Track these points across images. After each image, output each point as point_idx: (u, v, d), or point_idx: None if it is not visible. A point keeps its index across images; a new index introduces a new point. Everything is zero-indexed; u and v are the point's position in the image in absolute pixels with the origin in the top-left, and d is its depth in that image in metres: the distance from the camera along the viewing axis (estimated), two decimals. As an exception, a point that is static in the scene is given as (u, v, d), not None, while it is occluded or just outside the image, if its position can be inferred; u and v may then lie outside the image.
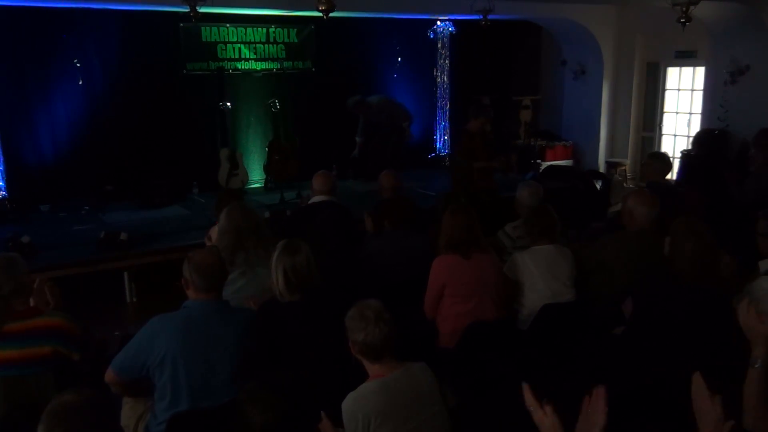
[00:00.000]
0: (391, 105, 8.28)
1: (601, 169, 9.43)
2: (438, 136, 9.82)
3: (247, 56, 8.22)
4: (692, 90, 8.96)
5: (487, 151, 6.34)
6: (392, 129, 8.16)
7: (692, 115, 8.94)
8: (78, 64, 7.18)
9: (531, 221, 3.82)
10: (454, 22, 9.22)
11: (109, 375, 2.62)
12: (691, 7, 5.55)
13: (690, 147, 8.37)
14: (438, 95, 9.72)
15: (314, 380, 2.75)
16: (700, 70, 8.73)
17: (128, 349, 2.59)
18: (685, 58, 8.85)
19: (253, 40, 8.24)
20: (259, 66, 8.32)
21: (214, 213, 4.03)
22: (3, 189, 6.76)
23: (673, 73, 9.18)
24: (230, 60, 8.10)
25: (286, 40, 8.45)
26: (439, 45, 9.53)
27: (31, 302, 2.83)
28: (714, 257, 2.98)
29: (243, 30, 8.13)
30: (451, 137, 9.80)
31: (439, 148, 9.81)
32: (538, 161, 9.38)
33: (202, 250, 2.76)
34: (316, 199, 4.63)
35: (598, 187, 8.04)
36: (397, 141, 8.24)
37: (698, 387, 1.80)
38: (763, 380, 1.97)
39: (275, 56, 8.39)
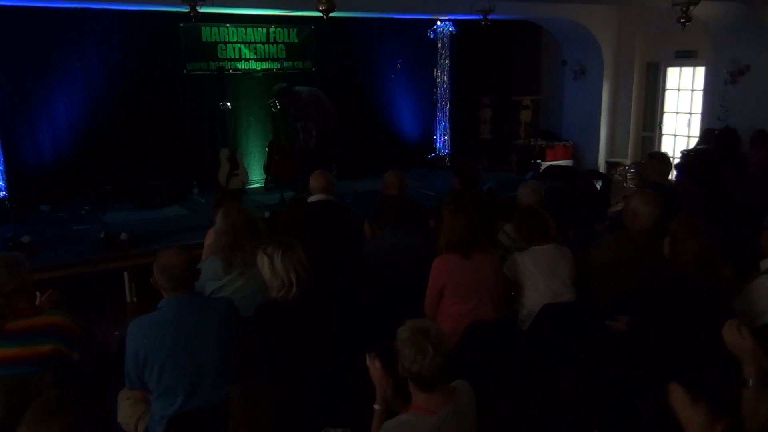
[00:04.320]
0: (322, 100, 7.42)
1: (601, 169, 9.43)
2: (438, 136, 9.82)
3: (247, 56, 8.22)
4: (692, 90, 8.96)
5: None
6: (318, 130, 7.39)
7: (692, 115, 8.94)
8: (78, 64, 7.19)
9: (524, 226, 3.75)
10: (454, 22, 9.22)
11: (136, 394, 2.75)
12: (691, 7, 5.55)
13: (692, 146, 8.34)
14: (438, 95, 9.72)
15: (312, 376, 2.76)
16: (700, 70, 8.73)
17: (127, 365, 2.60)
18: (685, 58, 8.85)
19: (253, 40, 8.24)
20: (259, 66, 8.33)
21: (211, 213, 4.01)
22: (3, 189, 6.76)
23: (673, 73, 9.17)
24: (230, 60, 8.10)
25: (286, 40, 8.45)
26: (439, 45, 9.53)
27: (37, 301, 2.84)
28: (716, 255, 2.98)
29: (243, 30, 8.13)
30: (450, 137, 9.81)
31: (439, 148, 9.81)
32: (538, 161, 9.38)
33: (167, 251, 2.73)
34: (314, 198, 4.66)
35: (598, 187, 8.04)
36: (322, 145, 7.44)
37: (678, 397, 1.76)
38: (759, 399, 1.93)
39: (275, 56, 8.39)
